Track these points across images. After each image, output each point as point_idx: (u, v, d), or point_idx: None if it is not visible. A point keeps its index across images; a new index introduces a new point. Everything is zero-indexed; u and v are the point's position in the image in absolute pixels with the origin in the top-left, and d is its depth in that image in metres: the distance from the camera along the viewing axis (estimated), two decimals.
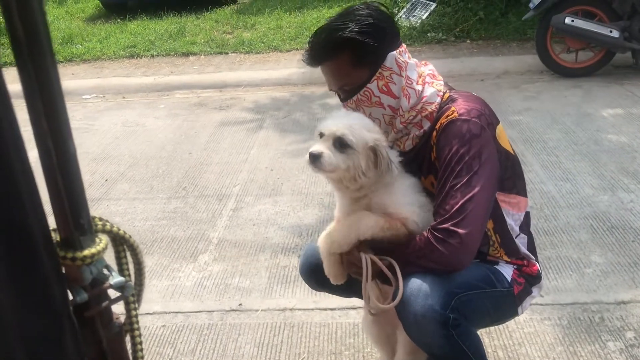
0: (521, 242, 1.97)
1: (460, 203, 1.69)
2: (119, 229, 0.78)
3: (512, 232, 1.93)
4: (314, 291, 2.88)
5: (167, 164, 4.70)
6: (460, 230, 1.67)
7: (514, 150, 1.94)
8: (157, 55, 8.23)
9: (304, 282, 2.22)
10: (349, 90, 1.86)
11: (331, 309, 2.76)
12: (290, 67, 7.32)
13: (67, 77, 7.58)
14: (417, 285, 1.72)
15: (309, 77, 6.78)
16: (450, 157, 1.72)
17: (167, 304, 2.91)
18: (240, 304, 2.87)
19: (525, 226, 1.98)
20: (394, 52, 1.82)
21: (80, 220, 0.69)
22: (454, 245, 1.68)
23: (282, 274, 3.10)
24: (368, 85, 1.82)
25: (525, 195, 1.97)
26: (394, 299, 1.75)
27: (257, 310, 2.81)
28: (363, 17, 1.80)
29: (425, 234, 1.73)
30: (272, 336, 2.62)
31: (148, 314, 2.84)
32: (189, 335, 2.67)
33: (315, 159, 1.70)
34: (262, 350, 2.53)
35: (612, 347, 2.41)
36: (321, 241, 1.88)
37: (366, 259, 1.78)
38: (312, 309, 2.78)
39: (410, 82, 1.83)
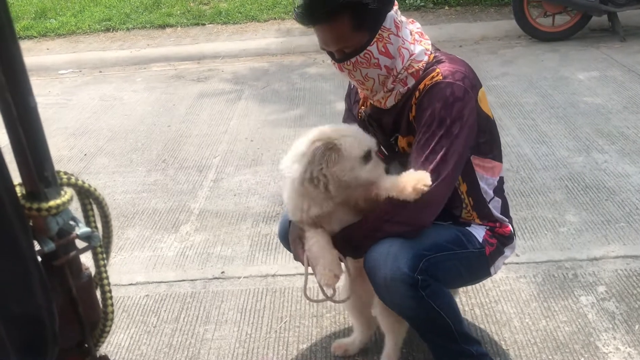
0: (494, 205, 2.00)
1: (434, 168, 1.73)
2: (84, 182, 0.79)
3: (486, 196, 1.96)
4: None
5: (146, 137, 4.68)
6: (430, 191, 1.71)
7: (492, 115, 1.96)
8: (133, 28, 8.10)
9: (282, 245, 2.27)
10: (348, 53, 1.81)
11: (312, 274, 2.80)
12: (268, 37, 7.26)
13: (42, 53, 7.46)
14: (386, 249, 1.76)
15: (287, 47, 6.75)
16: (432, 119, 1.74)
17: (150, 274, 2.93)
18: (222, 272, 2.90)
19: (499, 190, 2.01)
20: (392, 12, 1.79)
21: (44, 172, 0.70)
22: (420, 204, 1.71)
23: (264, 242, 3.13)
24: (368, 48, 1.78)
25: (500, 161, 2.00)
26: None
27: (239, 278, 2.85)
28: None
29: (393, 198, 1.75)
30: (254, 302, 2.66)
31: (131, 284, 2.86)
32: (172, 303, 2.70)
33: None
34: (245, 316, 2.57)
35: (584, 302, 2.48)
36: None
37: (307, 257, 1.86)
38: (294, 275, 2.82)
39: (404, 42, 1.82)
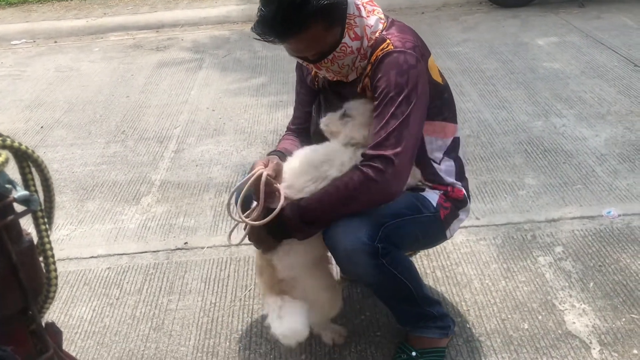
0: (446, 167, 1.99)
1: (397, 132, 1.71)
2: (21, 144, 0.76)
3: (434, 158, 1.96)
4: None
5: (104, 108, 4.57)
6: (395, 160, 1.70)
7: (444, 80, 1.95)
8: None
9: None
10: (324, 52, 1.77)
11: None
12: (228, 4, 7.11)
13: None
14: (345, 220, 1.75)
15: (248, 15, 6.63)
16: (389, 87, 1.72)
17: (111, 246, 2.89)
18: (185, 243, 2.87)
19: (451, 151, 2.00)
20: None
21: None
22: (389, 173, 1.71)
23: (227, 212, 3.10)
24: (343, 41, 1.75)
25: (454, 122, 1.99)
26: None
27: (202, 248, 2.83)
28: None
29: (358, 172, 1.71)
30: (218, 271, 2.65)
31: (92, 257, 2.82)
32: (135, 275, 2.67)
33: None
34: (209, 285, 2.56)
35: (542, 262, 2.54)
36: None
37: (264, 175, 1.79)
38: None
39: (364, 19, 1.79)
